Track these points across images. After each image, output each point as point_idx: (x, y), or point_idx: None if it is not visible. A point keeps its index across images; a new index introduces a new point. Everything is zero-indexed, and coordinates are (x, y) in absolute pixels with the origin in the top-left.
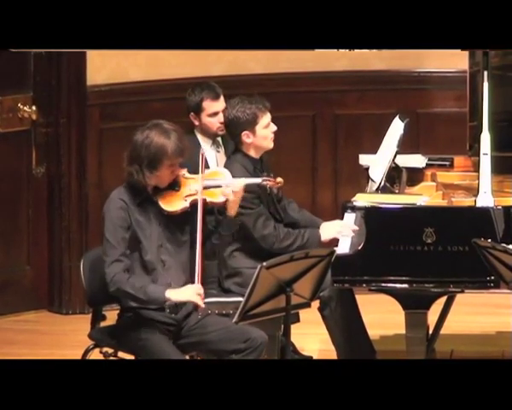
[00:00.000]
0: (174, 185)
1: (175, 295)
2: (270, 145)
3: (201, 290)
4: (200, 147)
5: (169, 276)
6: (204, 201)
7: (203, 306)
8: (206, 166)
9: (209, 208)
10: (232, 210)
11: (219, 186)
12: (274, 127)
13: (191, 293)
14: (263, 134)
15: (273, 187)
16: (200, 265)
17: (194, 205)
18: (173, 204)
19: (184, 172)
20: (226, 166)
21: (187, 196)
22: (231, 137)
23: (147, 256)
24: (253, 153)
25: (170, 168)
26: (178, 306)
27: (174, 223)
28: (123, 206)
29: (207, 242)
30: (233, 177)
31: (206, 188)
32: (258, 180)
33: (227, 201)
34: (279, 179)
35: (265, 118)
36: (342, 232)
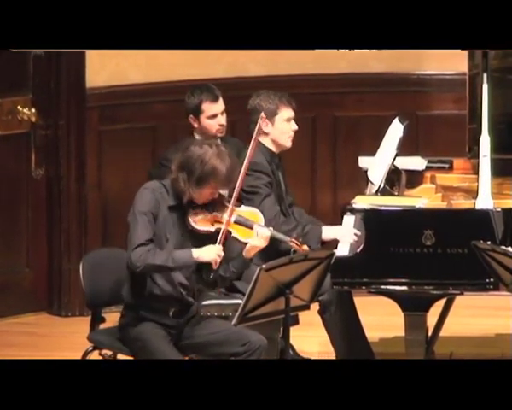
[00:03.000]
0: (208, 206)
1: (202, 254)
2: (288, 143)
3: (222, 252)
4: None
5: None
6: (228, 233)
7: (215, 267)
8: None
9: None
10: (249, 253)
11: (249, 228)
12: (295, 126)
13: (213, 254)
14: (282, 127)
15: (297, 251)
16: (225, 229)
17: (218, 232)
18: (200, 223)
19: (225, 193)
20: (241, 157)
21: (215, 222)
22: (251, 124)
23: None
24: (270, 145)
25: (212, 190)
26: (183, 310)
27: (196, 239)
28: (157, 197)
29: (214, 272)
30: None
31: (236, 222)
32: (286, 239)
33: (248, 243)
34: (305, 247)
35: (287, 111)
36: (344, 237)
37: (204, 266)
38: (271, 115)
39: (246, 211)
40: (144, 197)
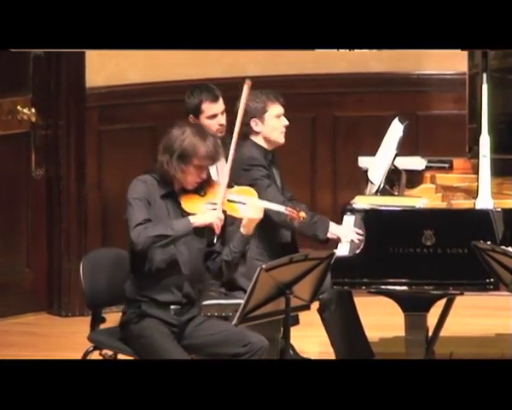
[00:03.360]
0: (200, 190)
1: (199, 219)
2: (281, 139)
3: (222, 216)
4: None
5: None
6: (224, 212)
7: (217, 231)
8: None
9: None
10: (247, 228)
11: (243, 204)
12: (285, 121)
13: (213, 216)
14: (272, 124)
15: (294, 219)
16: (225, 192)
17: None
18: (194, 207)
19: (214, 179)
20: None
21: (210, 204)
22: (242, 126)
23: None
24: (262, 143)
25: (197, 170)
26: (185, 308)
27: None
28: (148, 187)
29: (216, 259)
30: (243, 157)
31: (230, 201)
32: (282, 208)
33: (243, 218)
34: (302, 214)
35: (275, 108)
36: (348, 237)
37: (207, 235)
38: (261, 114)
39: (238, 189)
40: (137, 187)
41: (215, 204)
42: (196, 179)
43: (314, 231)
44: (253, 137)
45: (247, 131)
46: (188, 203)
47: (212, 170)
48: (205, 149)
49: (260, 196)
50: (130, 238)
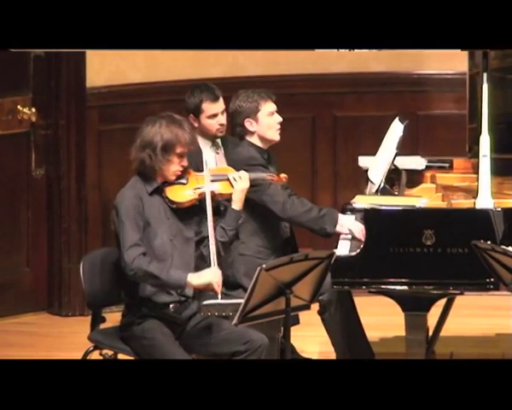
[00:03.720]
0: (181, 178)
1: (196, 279)
2: (276, 137)
3: (219, 273)
4: (200, 149)
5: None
6: (212, 193)
7: (219, 291)
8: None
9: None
10: (237, 202)
11: (226, 179)
12: (279, 118)
13: (212, 277)
14: (266, 122)
15: (278, 183)
16: (215, 250)
17: (201, 198)
18: (181, 195)
19: (191, 169)
20: (232, 155)
21: (195, 189)
22: (235, 127)
23: (159, 247)
24: (258, 143)
25: (180, 158)
26: (183, 306)
27: (181, 218)
28: (137, 194)
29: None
30: (241, 157)
31: (213, 181)
32: (263, 175)
33: (233, 193)
34: (283, 175)
35: (268, 106)
36: (354, 233)
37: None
38: (254, 113)
39: (216, 168)
40: (126, 199)
41: (200, 188)
42: (179, 168)
43: (322, 224)
44: (249, 138)
45: (241, 133)
46: (173, 193)
47: (212, 164)
48: (185, 134)
49: (264, 196)
50: (123, 259)
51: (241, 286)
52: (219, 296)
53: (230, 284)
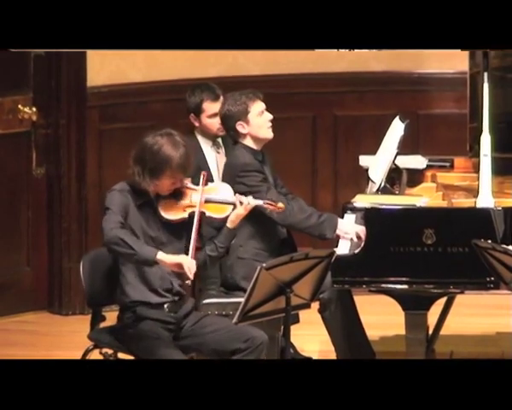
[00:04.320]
0: (176, 195)
1: (168, 257)
2: (269, 135)
3: (194, 266)
4: (201, 149)
5: None
6: (202, 214)
7: (191, 277)
8: (211, 181)
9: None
10: (234, 223)
11: (221, 202)
12: (269, 115)
13: (185, 259)
14: (257, 122)
15: (272, 211)
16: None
17: (192, 216)
18: (172, 213)
19: (188, 181)
20: (229, 159)
21: (186, 207)
22: (228, 132)
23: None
24: (252, 144)
25: (171, 180)
26: (177, 304)
27: (172, 229)
28: (125, 197)
29: (201, 251)
30: (238, 163)
31: (207, 201)
32: (260, 202)
33: (230, 213)
34: (280, 205)
35: (257, 106)
36: (354, 237)
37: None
38: (244, 116)
39: (211, 187)
40: (114, 198)
41: (191, 207)
42: (170, 188)
43: (322, 230)
44: (242, 140)
45: (235, 136)
46: (166, 210)
47: (213, 163)
48: (178, 161)
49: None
50: (102, 228)
51: (240, 289)
52: (190, 281)
53: (230, 286)
